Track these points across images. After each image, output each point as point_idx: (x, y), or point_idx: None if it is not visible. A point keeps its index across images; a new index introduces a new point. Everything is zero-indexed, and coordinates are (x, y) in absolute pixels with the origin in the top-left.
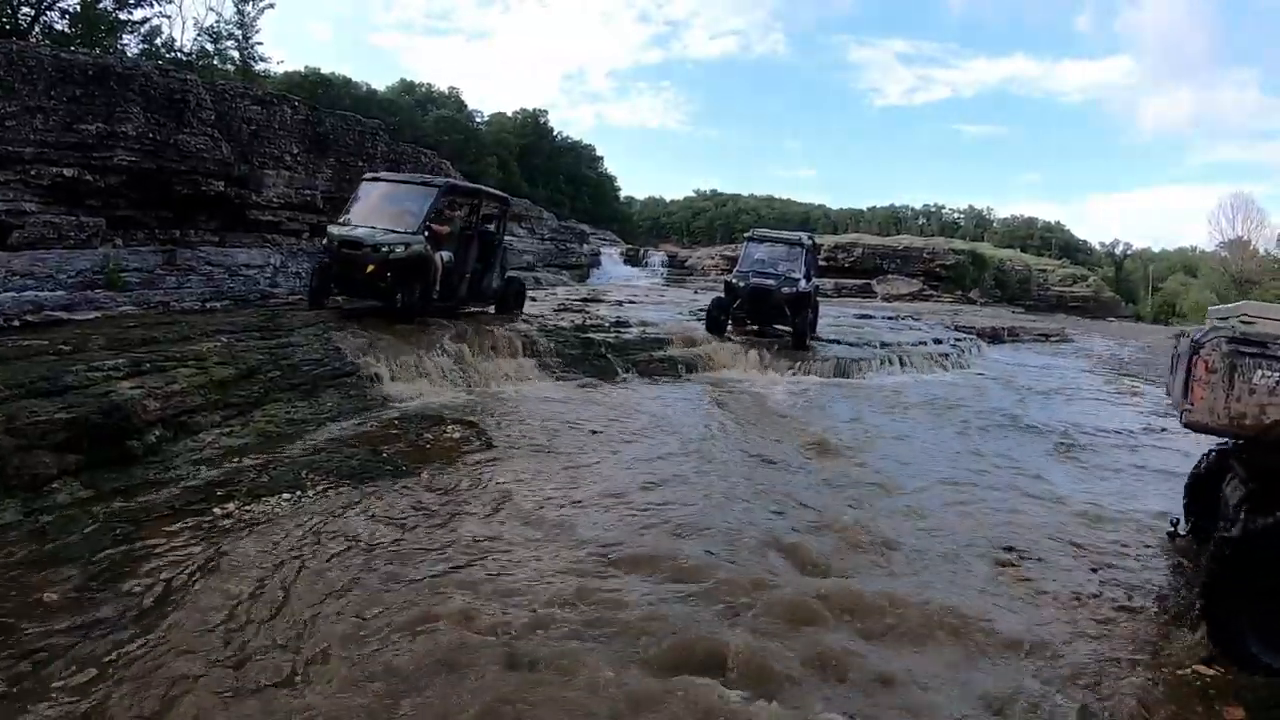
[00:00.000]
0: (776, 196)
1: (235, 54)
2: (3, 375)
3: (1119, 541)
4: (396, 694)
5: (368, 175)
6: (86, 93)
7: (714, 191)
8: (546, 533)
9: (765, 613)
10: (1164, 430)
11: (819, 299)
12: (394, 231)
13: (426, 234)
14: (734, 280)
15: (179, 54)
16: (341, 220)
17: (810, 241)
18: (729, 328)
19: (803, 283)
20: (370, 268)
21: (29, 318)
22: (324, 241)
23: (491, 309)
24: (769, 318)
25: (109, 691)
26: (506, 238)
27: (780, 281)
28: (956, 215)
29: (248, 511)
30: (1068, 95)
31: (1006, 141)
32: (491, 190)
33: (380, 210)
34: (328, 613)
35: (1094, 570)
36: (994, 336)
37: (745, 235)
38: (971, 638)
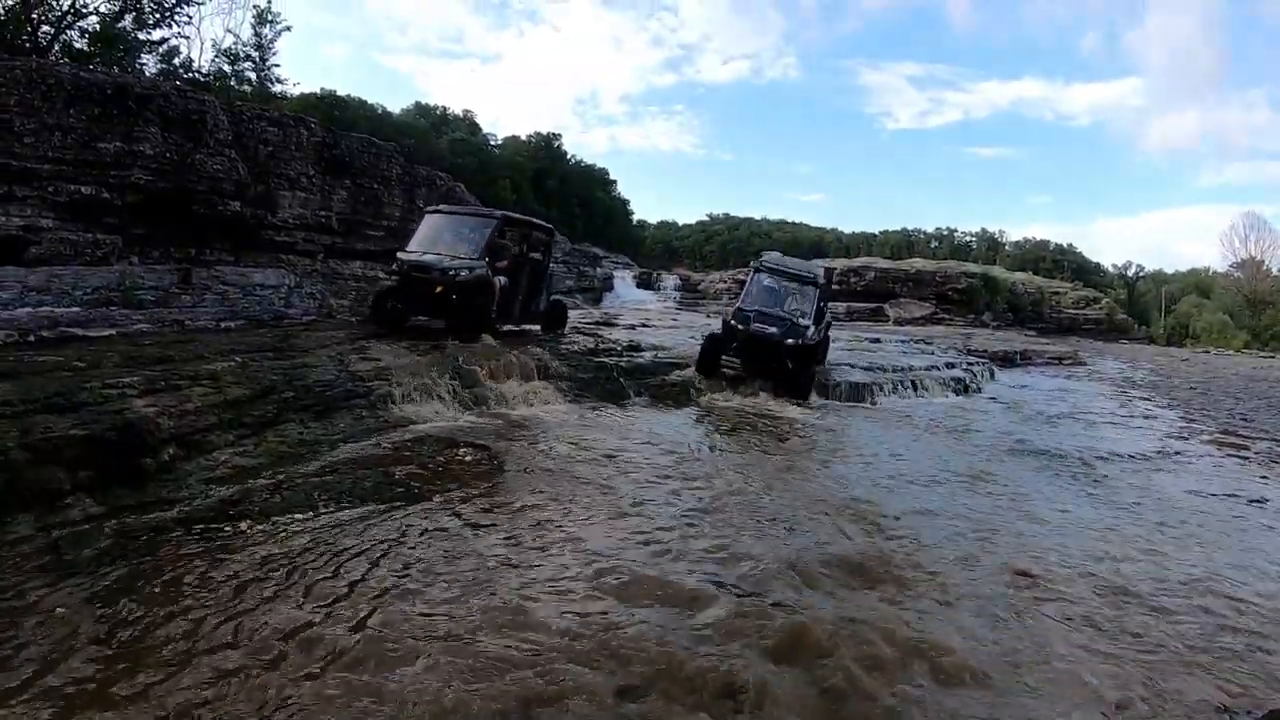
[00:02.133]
0: (789, 220)
1: (252, 75)
2: (18, 390)
3: None
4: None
5: (429, 209)
6: (105, 112)
7: (726, 215)
8: (556, 556)
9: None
10: (1177, 454)
11: (830, 327)
12: (459, 258)
13: (487, 260)
14: (733, 321)
15: (197, 74)
16: (409, 248)
17: (825, 278)
18: (723, 367)
19: (811, 330)
20: (439, 289)
21: (45, 333)
22: (392, 266)
23: (538, 328)
24: (768, 369)
25: (111, 707)
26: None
27: (785, 330)
28: (968, 238)
29: (259, 531)
30: (1077, 118)
31: (1018, 164)
32: (539, 221)
33: (444, 239)
34: (335, 634)
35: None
36: (1006, 360)
37: (753, 264)
38: None
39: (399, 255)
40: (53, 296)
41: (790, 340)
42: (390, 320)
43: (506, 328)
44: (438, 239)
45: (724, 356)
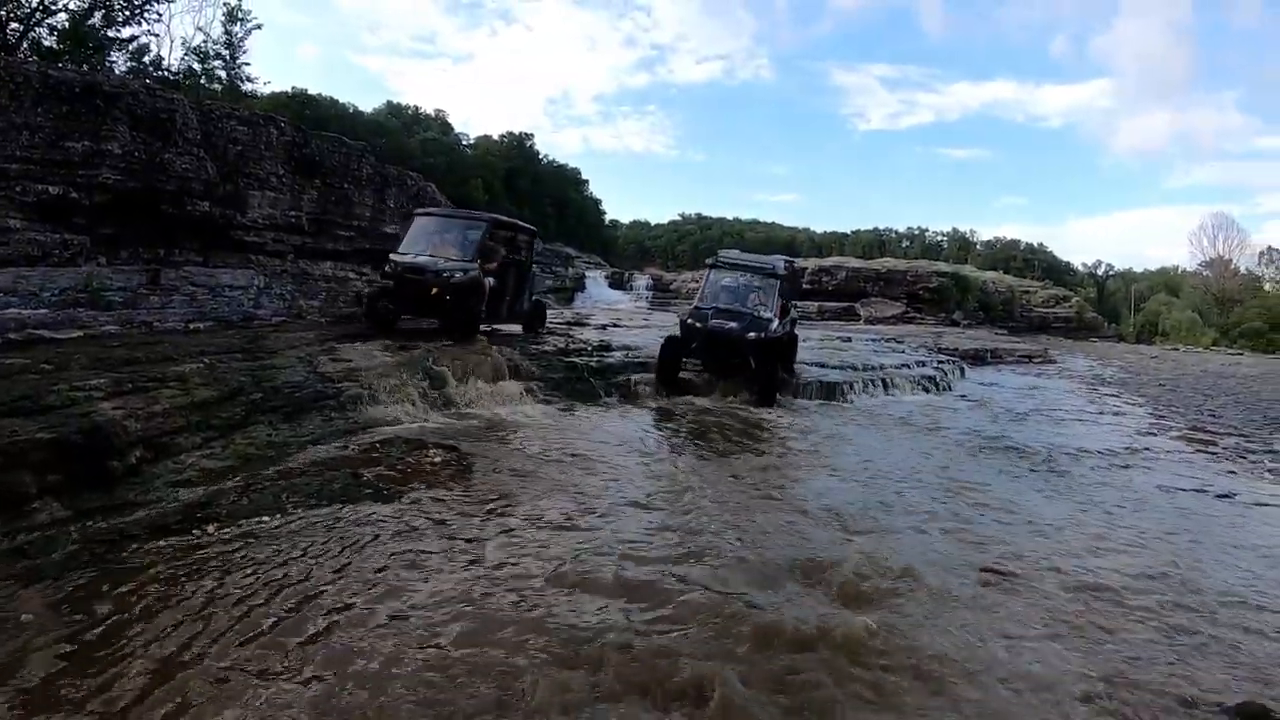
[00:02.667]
0: (761, 220)
1: (223, 74)
2: None
3: None
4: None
5: (419, 211)
6: (74, 110)
7: (699, 215)
8: (523, 557)
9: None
10: (1146, 450)
11: (798, 327)
12: (453, 260)
13: (479, 262)
14: (689, 320)
15: (167, 73)
16: (401, 250)
17: (787, 269)
18: (685, 372)
19: (775, 324)
20: (434, 290)
21: (11, 335)
22: (385, 268)
23: (519, 328)
24: (731, 367)
25: (77, 711)
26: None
27: (746, 324)
28: (940, 238)
29: (225, 533)
30: (1048, 119)
31: (989, 165)
32: (523, 224)
33: (436, 241)
34: (301, 636)
35: None
36: (977, 358)
37: (708, 261)
38: None
39: (391, 257)
40: (20, 298)
41: (753, 334)
42: (382, 320)
43: (493, 327)
44: (429, 241)
45: (685, 360)
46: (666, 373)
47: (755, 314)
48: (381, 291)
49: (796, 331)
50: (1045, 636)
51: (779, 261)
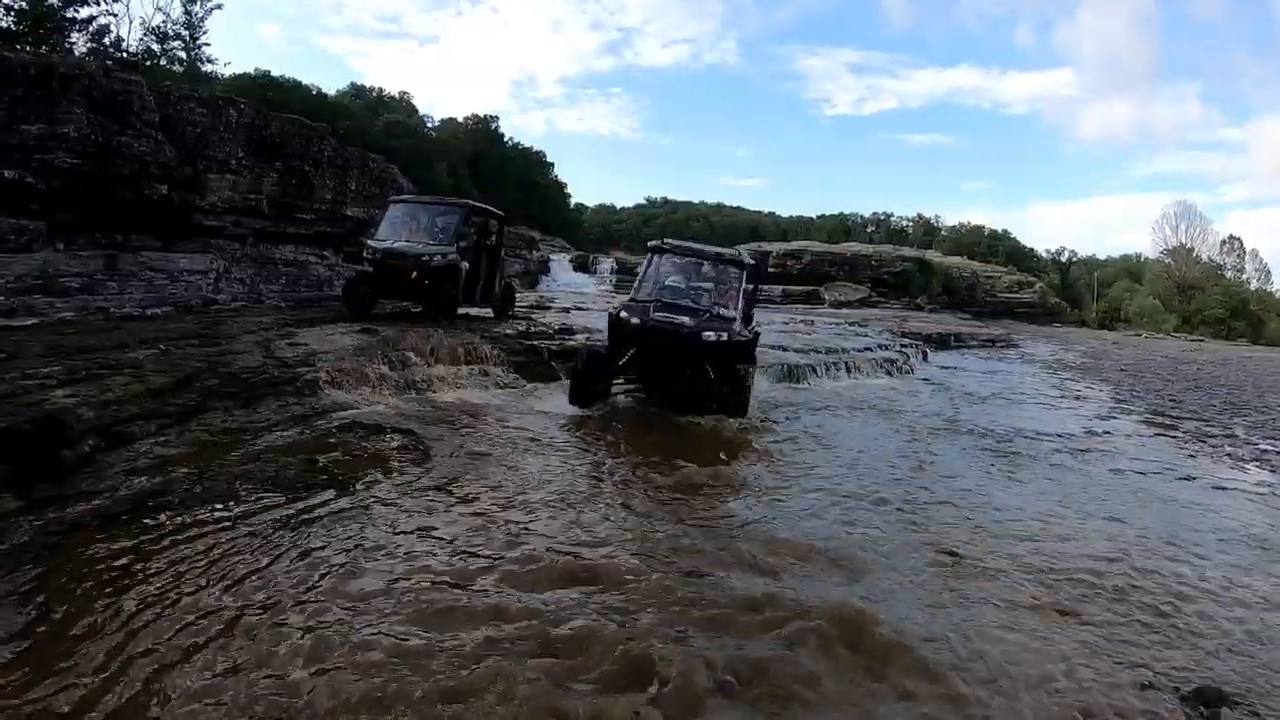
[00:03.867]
0: (727, 204)
1: (183, 54)
2: None
3: None
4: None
5: (394, 199)
6: (29, 92)
7: (665, 199)
8: (480, 541)
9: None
10: (1106, 433)
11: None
12: (431, 245)
13: (456, 246)
14: (623, 315)
15: (126, 54)
16: (378, 236)
17: (755, 261)
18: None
19: (738, 325)
20: (414, 274)
21: None
22: (364, 254)
23: (490, 311)
24: (679, 379)
25: (29, 703)
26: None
27: (703, 321)
28: (905, 223)
29: (178, 521)
30: (1012, 106)
31: (954, 151)
32: (494, 210)
33: (414, 227)
34: (253, 625)
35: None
36: (941, 342)
37: (650, 245)
38: None
39: (369, 243)
40: None
41: (710, 335)
42: (360, 305)
43: (466, 310)
44: (406, 227)
45: (615, 373)
46: (581, 391)
47: (713, 312)
48: (360, 277)
49: (759, 330)
50: (1001, 621)
51: (744, 251)
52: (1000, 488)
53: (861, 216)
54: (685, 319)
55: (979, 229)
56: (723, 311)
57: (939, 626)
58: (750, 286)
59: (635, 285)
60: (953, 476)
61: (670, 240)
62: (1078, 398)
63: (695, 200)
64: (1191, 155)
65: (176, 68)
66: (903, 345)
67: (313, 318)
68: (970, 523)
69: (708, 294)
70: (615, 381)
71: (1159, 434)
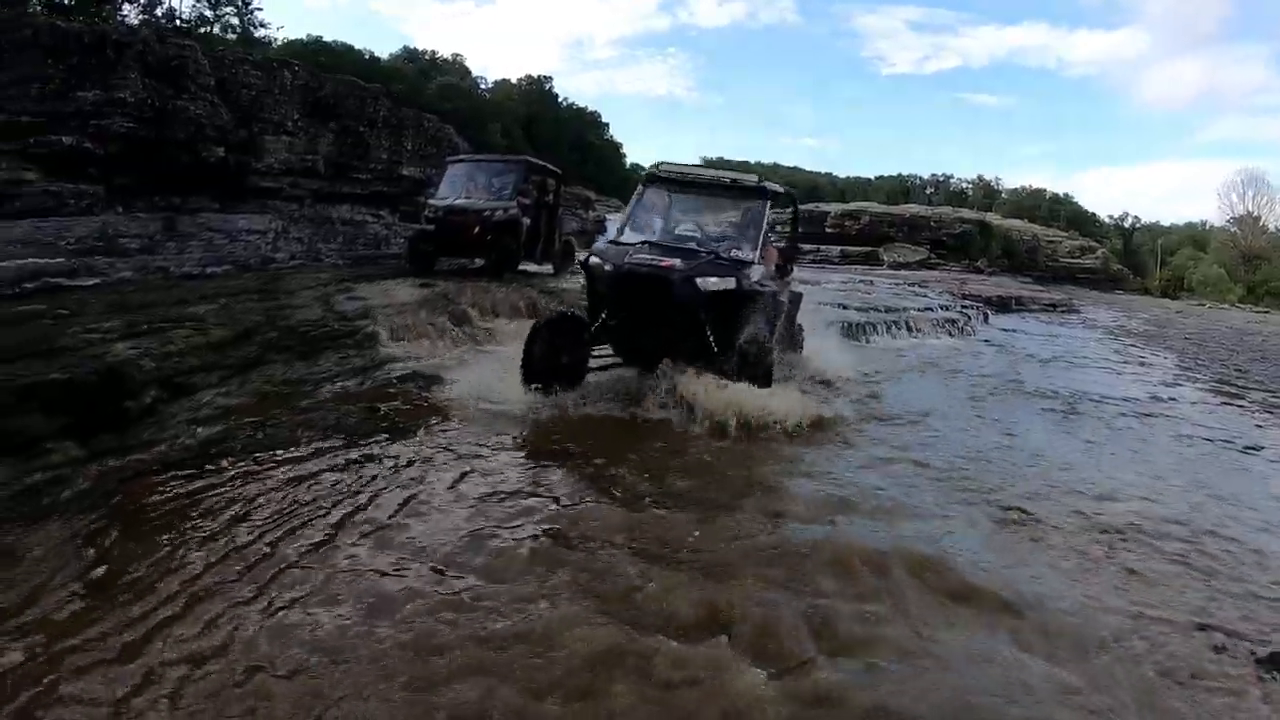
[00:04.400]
0: (783, 164)
1: (236, 20)
2: None
3: None
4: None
5: (452, 158)
6: (84, 61)
7: (720, 159)
8: (536, 490)
9: None
10: (1171, 399)
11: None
12: (493, 201)
13: (517, 203)
14: (594, 262)
15: (180, 22)
16: (439, 195)
17: (785, 191)
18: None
19: (756, 272)
20: (476, 230)
21: (28, 284)
22: (425, 213)
23: (550, 268)
24: (667, 338)
25: (89, 641)
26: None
27: (697, 265)
28: (964, 185)
29: (240, 467)
30: (1076, 67)
31: (1015, 112)
32: (552, 168)
33: (473, 185)
34: (313, 566)
35: None
36: (1001, 305)
37: (644, 174)
38: None
39: (431, 202)
40: (36, 248)
41: (712, 282)
42: (423, 262)
43: (528, 266)
44: (466, 186)
45: (591, 341)
46: (540, 372)
47: (720, 250)
48: (422, 234)
49: (800, 290)
50: (1069, 574)
51: (765, 181)
52: (1067, 447)
53: (920, 178)
54: (676, 261)
55: (1039, 192)
56: (736, 253)
57: (1008, 575)
58: (779, 211)
59: (621, 222)
60: (1019, 435)
61: (668, 165)
62: (1142, 364)
63: (752, 160)
64: (1259, 120)
65: (230, 35)
66: (963, 306)
67: (371, 274)
68: (1038, 480)
69: (714, 222)
70: (597, 354)
71: (1225, 402)
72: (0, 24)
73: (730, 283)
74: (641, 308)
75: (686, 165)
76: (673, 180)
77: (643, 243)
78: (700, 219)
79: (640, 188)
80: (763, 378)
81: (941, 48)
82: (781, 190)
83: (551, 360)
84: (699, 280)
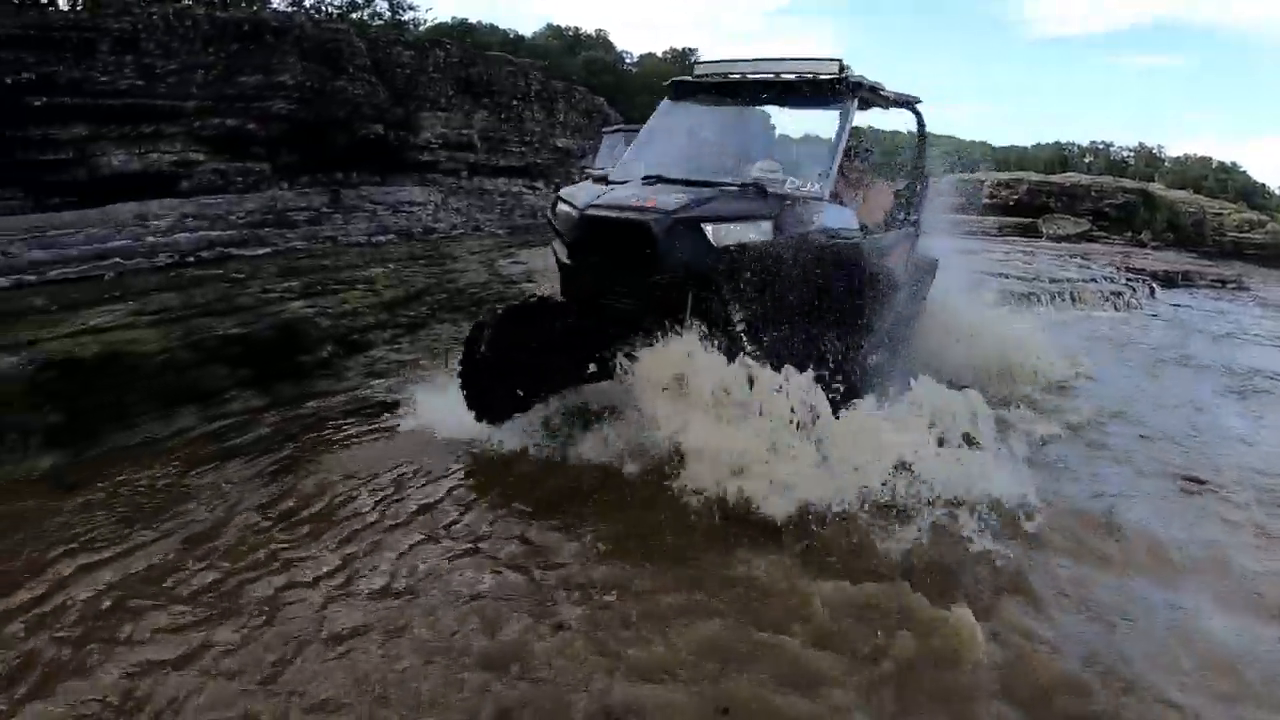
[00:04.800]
0: (935, 132)
1: (383, 4)
2: (181, 298)
3: None
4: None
5: (606, 129)
6: (244, 47)
7: (869, 128)
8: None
9: None
10: None
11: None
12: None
13: None
14: (566, 203)
15: (330, 8)
16: (598, 164)
17: (891, 95)
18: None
19: (826, 210)
20: None
21: (203, 254)
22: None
23: None
24: (659, 305)
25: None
26: None
27: (703, 203)
28: (1125, 153)
29: (411, 422)
30: (1245, 24)
31: (1180, 73)
32: None
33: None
34: (482, 511)
35: None
36: (1167, 280)
37: (667, 84)
38: None
39: (589, 171)
40: (208, 221)
41: (734, 231)
42: None
43: None
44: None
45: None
46: (486, 400)
47: (758, 183)
48: None
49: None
50: (1247, 544)
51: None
52: (1242, 422)
53: (1078, 146)
54: (671, 198)
55: (1205, 160)
56: (790, 185)
57: (1182, 536)
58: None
59: (630, 149)
60: (1193, 408)
61: (705, 64)
62: None
63: (902, 130)
64: None
65: (378, 21)
66: (1129, 279)
67: (531, 241)
68: (1214, 452)
69: (756, 138)
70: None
71: None
72: (165, 19)
73: (764, 229)
74: (608, 279)
75: (733, 61)
76: (708, 87)
77: (645, 178)
78: (732, 120)
79: (664, 103)
80: (848, 388)
81: (1099, 6)
82: (883, 89)
83: (508, 372)
84: (710, 228)
